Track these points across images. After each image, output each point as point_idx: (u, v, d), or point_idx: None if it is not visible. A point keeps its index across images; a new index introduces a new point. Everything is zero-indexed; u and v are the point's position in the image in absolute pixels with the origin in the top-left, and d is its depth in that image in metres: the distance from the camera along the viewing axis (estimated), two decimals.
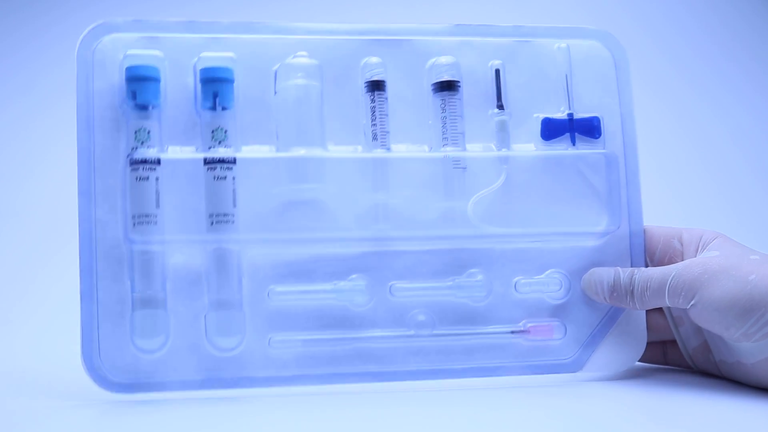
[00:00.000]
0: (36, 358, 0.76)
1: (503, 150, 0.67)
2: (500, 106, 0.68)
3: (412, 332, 0.66)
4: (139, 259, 0.61)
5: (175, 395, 0.61)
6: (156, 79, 0.61)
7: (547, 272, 0.69)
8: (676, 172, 1.00)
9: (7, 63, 1.08)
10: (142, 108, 0.61)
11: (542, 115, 0.70)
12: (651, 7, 0.85)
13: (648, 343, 0.69)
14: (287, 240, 0.65)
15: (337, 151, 0.64)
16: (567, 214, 0.68)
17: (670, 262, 0.66)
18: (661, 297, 0.64)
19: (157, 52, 0.63)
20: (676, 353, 0.71)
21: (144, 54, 0.63)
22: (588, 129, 0.69)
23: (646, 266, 0.66)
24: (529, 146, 0.69)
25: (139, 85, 0.62)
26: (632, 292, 0.65)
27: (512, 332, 0.68)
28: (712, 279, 0.62)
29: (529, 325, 0.68)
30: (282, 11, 0.85)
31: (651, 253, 0.67)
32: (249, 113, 0.64)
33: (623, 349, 0.70)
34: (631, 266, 0.67)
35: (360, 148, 0.65)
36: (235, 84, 0.64)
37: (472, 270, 0.68)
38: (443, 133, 0.66)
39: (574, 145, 0.68)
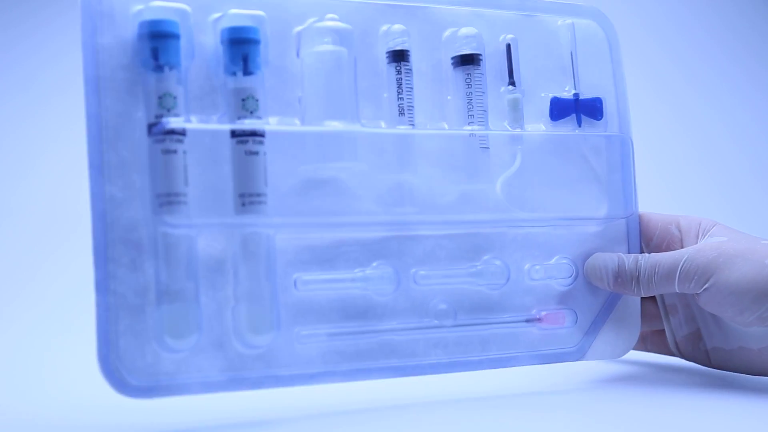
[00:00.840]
0: (47, 359, 0.72)
1: (520, 129, 0.71)
2: (512, 83, 0.71)
3: (435, 323, 0.67)
4: (165, 245, 0.59)
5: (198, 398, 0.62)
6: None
7: (555, 258, 0.72)
8: (668, 160, 1.04)
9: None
10: (168, 69, 0.59)
11: (550, 95, 0.73)
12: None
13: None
14: (311, 224, 0.64)
15: (372, 126, 0.66)
16: (572, 198, 0.72)
17: (668, 248, 0.74)
18: (670, 282, 0.69)
19: (181, 5, 0.61)
20: (657, 341, 0.79)
21: (167, 6, 0.60)
22: (592, 110, 0.74)
23: (641, 252, 0.75)
24: (539, 126, 0.72)
25: (164, 43, 0.58)
26: (638, 277, 0.70)
27: (527, 320, 0.71)
28: (728, 262, 0.66)
29: (543, 312, 0.71)
30: None
31: (647, 239, 0.75)
32: (268, 80, 0.64)
33: (620, 336, 0.73)
34: (629, 251, 0.73)
35: (383, 123, 0.67)
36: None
37: (487, 256, 0.70)
38: (468, 110, 0.69)
39: (580, 126, 0.73)
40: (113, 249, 0.60)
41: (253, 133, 0.63)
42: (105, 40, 0.60)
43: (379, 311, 0.67)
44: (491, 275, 0.73)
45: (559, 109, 0.77)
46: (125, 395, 0.60)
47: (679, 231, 0.77)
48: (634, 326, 0.77)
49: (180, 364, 0.61)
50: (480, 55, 0.73)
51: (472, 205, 0.71)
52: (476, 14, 0.73)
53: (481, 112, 0.72)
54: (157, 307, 0.59)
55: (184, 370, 0.60)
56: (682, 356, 0.78)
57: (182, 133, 0.60)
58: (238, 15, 0.63)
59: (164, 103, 0.60)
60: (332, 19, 0.67)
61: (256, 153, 0.62)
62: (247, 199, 0.62)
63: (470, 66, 0.72)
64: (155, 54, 0.60)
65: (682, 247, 0.76)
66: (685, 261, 0.70)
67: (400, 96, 0.70)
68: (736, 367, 0.74)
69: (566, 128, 0.76)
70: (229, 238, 0.62)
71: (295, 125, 0.65)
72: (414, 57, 0.70)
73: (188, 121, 0.60)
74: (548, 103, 0.75)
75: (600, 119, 0.78)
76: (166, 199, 0.59)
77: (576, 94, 0.77)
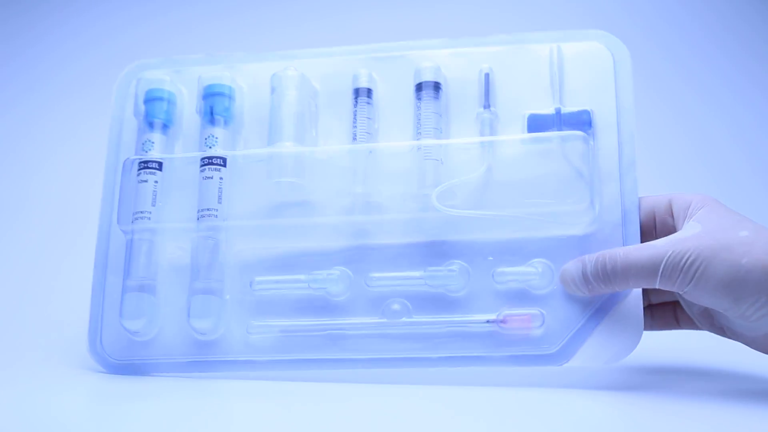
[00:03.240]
0: (56, 339, 0.91)
1: (473, 138, 0.76)
2: (487, 105, 0.77)
3: (383, 320, 0.74)
4: (138, 248, 0.77)
5: (165, 377, 0.76)
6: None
7: (531, 262, 0.74)
8: (671, 162, 1.02)
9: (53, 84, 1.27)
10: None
11: (529, 112, 0.77)
12: (646, 5, 0.90)
13: (658, 306, 0.78)
14: (272, 232, 0.76)
15: (312, 147, 0.78)
16: (553, 201, 0.73)
17: (660, 234, 0.74)
18: (650, 281, 0.69)
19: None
20: (663, 315, 0.79)
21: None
22: (577, 122, 0.76)
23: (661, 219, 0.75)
24: (516, 135, 0.77)
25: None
26: (605, 278, 0.69)
27: (488, 321, 0.73)
28: (706, 265, 0.66)
29: (505, 314, 0.73)
30: (290, 35, 0.96)
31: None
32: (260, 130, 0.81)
33: (617, 340, 0.72)
34: None
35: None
36: (243, 105, 0.81)
37: (452, 261, 0.75)
38: (417, 128, 0.78)
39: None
40: (109, 260, 0.79)
41: (210, 162, 0.78)
42: (126, 113, 0.83)
43: (335, 311, 0.76)
44: (443, 278, 0.74)
45: (537, 125, 0.77)
46: (106, 371, 0.77)
47: (672, 216, 0.75)
48: (635, 329, 0.73)
49: (149, 347, 0.77)
50: (437, 82, 0.78)
51: (427, 214, 0.75)
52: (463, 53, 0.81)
53: (428, 129, 0.77)
54: (122, 296, 0.77)
55: (152, 352, 0.76)
56: (707, 330, 0.76)
57: (155, 167, 0.78)
58: (209, 76, 0.80)
59: (145, 147, 0.81)
60: (290, 69, 0.81)
61: (211, 177, 0.79)
62: (201, 213, 0.77)
63: (423, 91, 0.78)
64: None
65: (674, 231, 0.75)
66: (665, 264, 0.68)
67: (354, 125, 0.80)
68: (746, 344, 0.73)
69: (546, 141, 0.75)
70: (193, 244, 0.77)
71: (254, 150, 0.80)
72: (397, 97, 0.79)
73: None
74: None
75: (588, 130, 0.75)
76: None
77: (558, 109, 0.76)
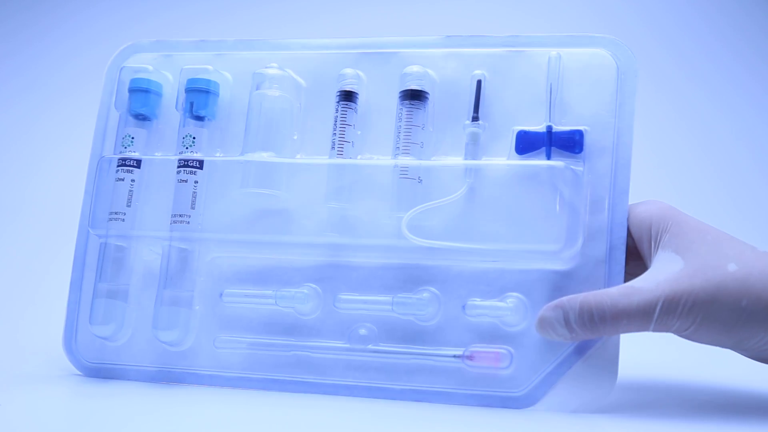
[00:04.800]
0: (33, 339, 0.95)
1: (451, 160, 0.73)
2: (475, 118, 0.73)
3: (348, 345, 0.73)
4: (106, 253, 0.77)
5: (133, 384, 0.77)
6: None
7: (505, 296, 0.71)
8: (675, 165, 0.99)
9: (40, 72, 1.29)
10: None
11: (518, 128, 0.73)
12: (653, 11, 0.84)
13: None
14: (246, 242, 0.75)
15: (288, 158, 0.76)
16: (531, 234, 0.70)
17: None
18: (644, 326, 0.65)
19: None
20: None
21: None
22: (568, 143, 0.71)
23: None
24: (501, 160, 0.73)
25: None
26: (597, 327, 0.65)
27: (454, 356, 0.71)
28: (704, 309, 0.63)
29: (473, 350, 0.70)
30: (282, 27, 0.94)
31: None
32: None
33: (589, 387, 0.68)
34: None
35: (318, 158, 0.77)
36: (227, 97, 0.79)
37: (424, 288, 0.72)
38: (396, 143, 0.75)
39: (548, 158, 0.71)
40: (87, 258, 0.78)
41: (185, 164, 0.76)
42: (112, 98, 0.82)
43: (304, 330, 0.75)
44: (412, 305, 0.71)
45: (526, 143, 0.72)
46: (80, 372, 0.79)
47: (632, 239, 0.72)
48: (609, 375, 0.69)
49: (120, 352, 0.78)
50: (424, 92, 0.73)
51: (403, 236, 0.72)
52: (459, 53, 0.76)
53: (408, 144, 0.73)
54: (92, 300, 0.77)
55: (123, 358, 0.77)
56: None
57: (133, 164, 0.77)
58: (191, 69, 0.78)
59: (124, 143, 0.79)
60: (272, 67, 0.77)
61: (186, 181, 0.77)
62: (174, 218, 0.77)
63: (408, 101, 0.73)
64: (128, 107, 0.79)
65: (636, 257, 0.71)
66: (659, 311, 0.64)
67: (334, 132, 0.75)
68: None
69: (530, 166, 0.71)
70: (164, 251, 0.76)
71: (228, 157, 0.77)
72: (389, 99, 0.76)
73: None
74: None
75: (578, 153, 0.70)
76: (113, 216, 0.76)
77: (549, 127, 0.70)
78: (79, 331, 0.80)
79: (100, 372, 0.79)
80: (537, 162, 0.73)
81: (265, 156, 0.77)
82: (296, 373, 0.74)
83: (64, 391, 0.77)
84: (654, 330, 0.67)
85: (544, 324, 0.69)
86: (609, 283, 0.70)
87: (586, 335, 0.67)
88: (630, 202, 0.72)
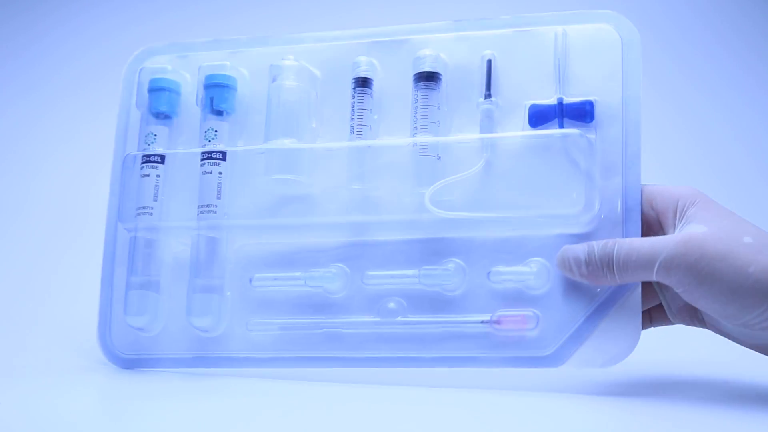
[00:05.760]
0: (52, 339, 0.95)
1: (468, 135, 0.75)
2: (488, 95, 0.76)
3: (377, 319, 0.75)
4: (137, 246, 0.80)
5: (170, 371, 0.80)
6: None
7: (528, 261, 0.73)
8: (676, 161, 1.02)
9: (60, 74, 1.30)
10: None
11: (530, 102, 0.76)
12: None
13: None
14: (272, 228, 0.78)
15: (309, 144, 0.78)
16: (550, 201, 0.73)
17: (645, 231, 0.73)
18: (647, 273, 0.68)
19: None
20: (660, 315, 0.77)
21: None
22: (579, 113, 0.74)
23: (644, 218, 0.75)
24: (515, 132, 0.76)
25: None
26: (609, 264, 0.69)
27: (482, 322, 0.73)
28: (710, 268, 0.65)
29: (500, 314, 0.73)
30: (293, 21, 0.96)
31: None
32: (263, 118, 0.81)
33: (615, 342, 0.71)
34: None
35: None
36: (246, 92, 0.81)
37: (448, 259, 0.75)
38: (413, 122, 0.78)
39: (561, 127, 0.74)
40: (117, 253, 0.81)
41: (208, 157, 0.78)
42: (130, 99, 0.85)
43: (333, 308, 0.78)
44: (438, 277, 0.74)
45: (538, 116, 0.76)
46: (116, 365, 0.82)
47: (655, 210, 0.75)
48: (633, 331, 0.72)
49: (155, 342, 0.81)
50: (437, 73, 0.77)
51: (425, 211, 0.75)
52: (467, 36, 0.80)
53: (426, 123, 0.77)
54: (126, 293, 0.80)
55: (158, 347, 0.80)
56: (684, 324, 0.76)
57: (157, 160, 0.80)
58: (209, 65, 0.81)
59: (147, 140, 0.83)
60: (289, 59, 0.81)
61: (210, 172, 0.80)
62: (201, 209, 0.80)
63: (423, 83, 0.77)
64: (149, 106, 0.83)
65: (660, 227, 0.74)
66: (663, 258, 0.68)
67: (352, 117, 0.79)
68: (734, 339, 0.72)
69: (544, 137, 0.76)
70: (193, 241, 0.80)
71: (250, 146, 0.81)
72: (401, 85, 0.79)
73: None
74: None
75: (590, 122, 0.74)
76: (141, 211, 0.80)
77: (560, 99, 0.74)
78: (112, 323, 0.82)
79: (135, 363, 0.82)
80: (552, 131, 0.76)
81: (287, 143, 0.81)
82: (328, 350, 0.77)
83: (102, 381, 0.79)
84: (658, 277, 0.68)
85: (567, 255, 0.73)
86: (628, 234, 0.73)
87: (598, 272, 0.70)
88: (642, 168, 0.74)
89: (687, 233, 0.69)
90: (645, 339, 0.75)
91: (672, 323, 0.79)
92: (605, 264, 0.71)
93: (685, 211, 0.72)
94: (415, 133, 0.79)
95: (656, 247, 0.69)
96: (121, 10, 1.35)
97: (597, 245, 0.71)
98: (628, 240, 0.71)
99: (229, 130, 0.83)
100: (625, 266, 0.71)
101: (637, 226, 0.74)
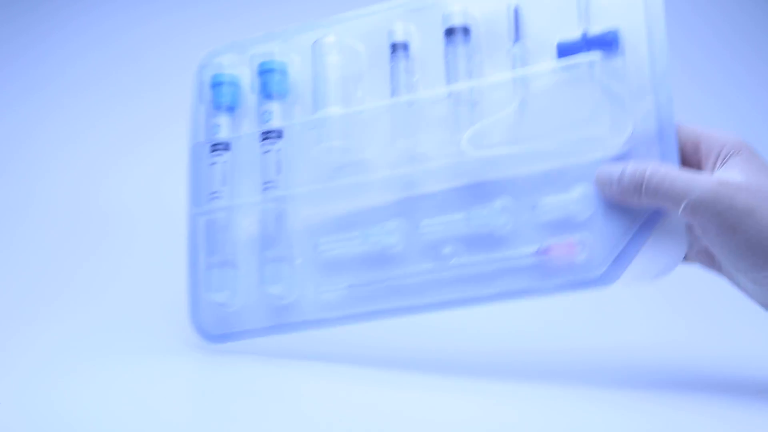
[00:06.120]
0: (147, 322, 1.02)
1: (497, 75, 0.78)
2: (516, 39, 0.79)
3: (435, 265, 0.79)
4: (216, 226, 0.87)
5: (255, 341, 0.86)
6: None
7: (572, 189, 0.75)
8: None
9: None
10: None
11: (558, 40, 0.78)
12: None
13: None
14: (330, 195, 0.82)
15: (354, 107, 0.83)
16: (584, 128, 0.75)
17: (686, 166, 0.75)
18: (673, 206, 0.69)
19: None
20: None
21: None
22: (604, 43, 0.76)
23: (687, 159, 0.75)
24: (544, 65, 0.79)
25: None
26: (639, 187, 0.70)
27: (532, 254, 0.76)
28: (734, 219, 0.65)
29: (548, 244, 0.75)
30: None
31: None
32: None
33: (662, 257, 0.72)
34: None
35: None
36: (298, 77, 0.87)
37: (495, 199, 0.78)
38: (448, 74, 0.81)
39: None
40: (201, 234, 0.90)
41: (266, 136, 0.87)
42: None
43: (394, 261, 0.81)
44: (491, 217, 0.76)
45: (566, 52, 0.77)
46: (208, 341, 0.88)
47: (698, 154, 0.75)
48: (678, 243, 0.73)
49: (237, 317, 0.86)
50: (465, 25, 0.82)
51: (469, 157, 0.78)
52: None
53: (459, 74, 0.80)
54: (207, 272, 0.87)
55: (241, 321, 0.86)
56: (702, 265, 0.77)
57: (223, 148, 0.88)
58: (259, 54, 0.87)
59: (213, 131, 0.90)
60: (328, 36, 0.86)
61: (269, 151, 0.86)
62: (264, 185, 0.86)
63: (451, 36, 0.81)
64: (212, 100, 0.90)
65: (699, 169, 0.76)
66: (693, 198, 0.69)
67: (392, 81, 0.84)
68: (746, 293, 0.73)
69: (578, 67, 0.77)
70: (260, 216, 0.86)
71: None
72: (428, 44, 0.82)
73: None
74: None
75: (615, 50, 0.74)
76: (213, 195, 0.86)
77: (584, 32, 0.75)
78: (201, 304, 0.88)
79: (224, 338, 0.87)
80: (577, 60, 0.76)
81: (334, 110, 0.85)
82: (393, 301, 0.81)
83: (196, 357, 0.86)
84: (684, 213, 0.68)
85: (602, 172, 0.74)
86: (664, 159, 0.73)
87: (630, 195, 0.71)
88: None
89: (723, 179, 0.70)
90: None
91: (691, 262, 0.80)
92: (635, 186, 0.71)
93: (728, 159, 0.73)
94: (450, 84, 0.82)
95: (689, 185, 0.70)
96: (185, 14, 1.41)
97: (631, 166, 0.72)
98: (664, 168, 0.71)
99: (284, 111, 0.88)
100: (654, 193, 0.71)
101: (673, 144, 0.74)
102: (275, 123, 0.87)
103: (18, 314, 1.01)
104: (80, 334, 0.93)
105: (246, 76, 0.92)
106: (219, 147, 0.89)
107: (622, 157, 0.75)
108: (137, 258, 1.19)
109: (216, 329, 0.89)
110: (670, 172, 0.71)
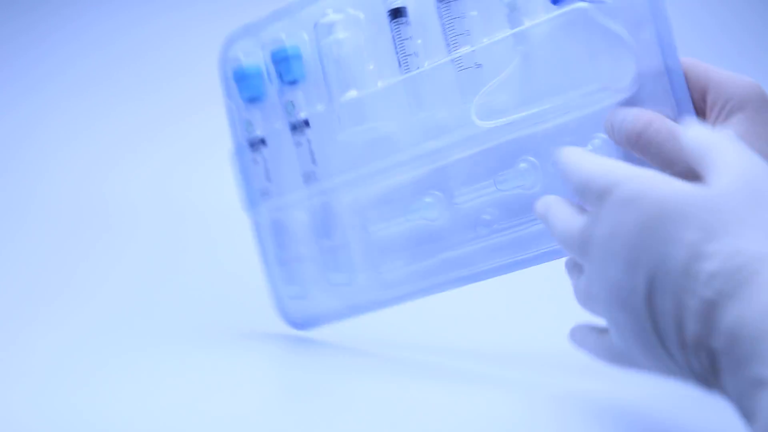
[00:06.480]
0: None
1: (499, 33, 0.75)
2: None
3: (478, 232, 0.80)
4: (275, 223, 0.91)
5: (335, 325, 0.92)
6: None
7: (593, 137, 0.74)
8: None
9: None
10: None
11: None
12: None
13: None
14: (368, 177, 0.84)
15: (370, 89, 0.82)
16: (590, 74, 0.72)
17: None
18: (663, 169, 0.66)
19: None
20: None
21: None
22: None
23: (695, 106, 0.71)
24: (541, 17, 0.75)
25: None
26: (634, 141, 0.67)
27: None
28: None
29: None
30: None
31: None
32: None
33: None
34: (677, 108, 0.69)
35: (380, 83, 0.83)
36: (310, 56, 0.87)
37: (524, 158, 0.77)
38: (446, 41, 0.78)
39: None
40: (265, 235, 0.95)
41: (293, 128, 0.87)
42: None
43: (440, 234, 0.82)
44: (517, 177, 0.73)
45: None
46: (295, 328, 0.94)
47: (705, 103, 0.69)
48: None
49: (313, 304, 0.91)
50: None
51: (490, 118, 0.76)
52: None
53: (456, 37, 0.77)
54: (280, 267, 0.92)
55: (317, 308, 0.90)
56: None
57: (260, 143, 0.90)
58: (272, 40, 0.87)
59: (248, 128, 0.90)
60: (329, 14, 0.83)
61: (300, 143, 0.87)
62: (304, 177, 0.87)
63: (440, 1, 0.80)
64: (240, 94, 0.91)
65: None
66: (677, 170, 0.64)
67: (396, 50, 0.81)
68: None
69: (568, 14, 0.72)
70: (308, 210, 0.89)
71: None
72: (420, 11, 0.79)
73: None
74: None
75: None
76: (262, 193, 0.89)
77: None
78: (283, 297, 0.94)
79: (305, 325, 0.93)
80: (573, 5, 0.72)
81: (351, 94, 0.83)
82: (448, 272, 0.82)
83: (281, 343, 0.93)
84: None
85: (606, 122, 0.71)
86: (675, 91, 0.69)
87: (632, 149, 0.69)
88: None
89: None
90: None
91: None
92: (628, 140, 0.68)
93: (730, 117, 0.67)
94: (450, 50, 0.79)
95: (673, 156, 0.65)
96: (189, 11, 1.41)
97: (629, 118, 0.68)
98: (656, 124, 0.66)
99: (306, 96, 0.87)
100: (644, 152, 0.67)
101: (680, 74, 0.69)
102: (300, 114, 0.86)
103: (18, 313, 1.04)
104: (83, 334, 0.96)
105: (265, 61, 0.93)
106: (256, 143, 0.90)
107: (632, 100, 0.71)
108: (140, 253, 1.22)
109: (298, 317, 0.93)
110: (660, 132, 0.66)
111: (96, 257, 1.20)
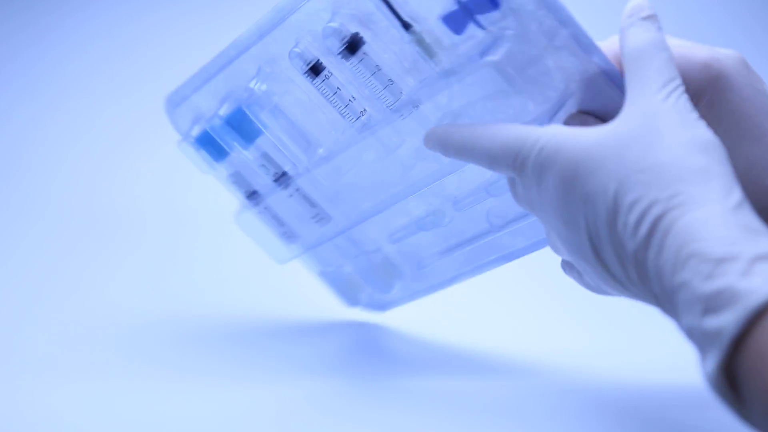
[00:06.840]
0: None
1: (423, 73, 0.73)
2: (406, 27, 0.71)
3: (486, 226, 0.82)
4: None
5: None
6: None
7: None
8: None
9: None
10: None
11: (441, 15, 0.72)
12: None
13: None
14: (367, 212, 0.84)
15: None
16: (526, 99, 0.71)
17: None
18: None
19: None
20: None
21: None
22: (483, 5, 0.68)
23: None
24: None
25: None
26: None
27: None
28: None
29: None
30: None
31: None
32: None
33: None
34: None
35: None
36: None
37: None
38: (372, 94, 0.75)
39: (484, 27, 0.69)
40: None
41: (277, 183, 0.83)
42: None
43: (459, 230, 0.83)
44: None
45: (455, 23, 0.69)
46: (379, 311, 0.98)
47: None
48: None
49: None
50: (355, 35, 0.72)
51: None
52: None
53: (381, 92, 0.73)
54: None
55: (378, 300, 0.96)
56: None
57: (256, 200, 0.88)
58: None
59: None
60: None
61: (291, 195, 0.83)
62: (315, 219, 0.84)
63: (350, 56, 0.73)
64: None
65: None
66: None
67: (333, 106, 0.76)
68: None
69: (476, 35, 0.68)
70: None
71: None
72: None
73: None
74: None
75: (497, 7, 0.66)
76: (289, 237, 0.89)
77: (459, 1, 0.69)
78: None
79: (387, 305, 0.95)
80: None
81: (320, 152, 0.81)
82: (484, 257, 0.85)
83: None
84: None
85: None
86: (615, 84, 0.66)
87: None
88: None
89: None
90: None
91: None
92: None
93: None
94: (381, 103, 0.75)
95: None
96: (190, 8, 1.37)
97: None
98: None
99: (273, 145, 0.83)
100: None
101: (614, 72, 0.65)
102: (279, 166, 0.82)
103: (17, 313, 1.02)
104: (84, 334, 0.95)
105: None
106: (251, 195, 0.85)
107: (579, 103, 0.67)
108: (148, 253, 1.20)
109: (372, 305, 0.96)
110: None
111: (105, 257, 1.18)
